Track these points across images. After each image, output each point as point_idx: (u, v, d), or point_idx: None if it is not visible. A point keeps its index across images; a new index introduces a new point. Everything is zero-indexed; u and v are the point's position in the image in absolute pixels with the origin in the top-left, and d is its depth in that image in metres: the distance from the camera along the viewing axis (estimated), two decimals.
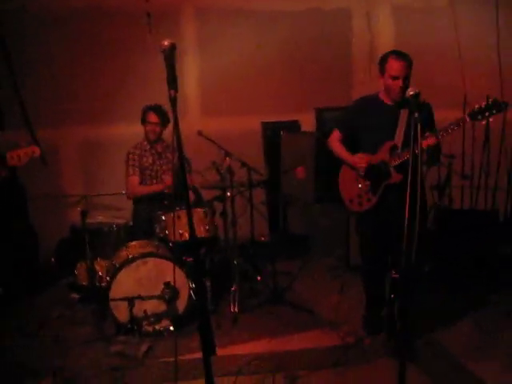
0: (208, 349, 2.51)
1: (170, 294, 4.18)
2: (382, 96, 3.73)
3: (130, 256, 4.26)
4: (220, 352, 3.76)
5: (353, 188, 3.87)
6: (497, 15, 5.80)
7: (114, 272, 4.22)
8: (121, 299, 4.07)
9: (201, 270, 4.56)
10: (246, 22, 6.22)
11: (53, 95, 5.94)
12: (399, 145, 3.63)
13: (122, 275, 4.17)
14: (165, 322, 4.26)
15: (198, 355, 3.67)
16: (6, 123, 5.78)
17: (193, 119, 6.19)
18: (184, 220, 4.34)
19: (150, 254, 4.26)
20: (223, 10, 6.16)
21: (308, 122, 6.37)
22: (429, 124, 3.55)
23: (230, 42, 6.16)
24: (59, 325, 4.48)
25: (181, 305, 4.24)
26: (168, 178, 4.89)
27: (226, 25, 6.15)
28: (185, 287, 4.24)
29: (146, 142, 5.08)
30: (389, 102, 3.70)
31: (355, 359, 3.74)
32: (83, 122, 6.10)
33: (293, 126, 6.42)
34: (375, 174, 3.71)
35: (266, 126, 6.39)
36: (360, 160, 3.76)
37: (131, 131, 5.21)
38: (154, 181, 5.03)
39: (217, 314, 4.49)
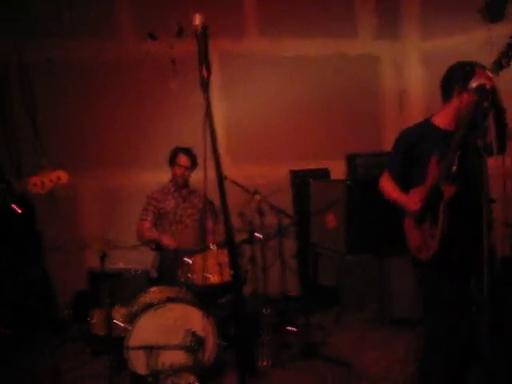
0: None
1: (194, 343, 3.78)
2: (439, 121, 3.15)
3: (151, 301, 3.90)
4: None
5: (417, 234, 3.13)
6: None
7: (132, 318, 3.85)
8: (139, 348, 3.68)
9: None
10: (271, 67, 6.07)
11: (71, 141, 5.76)
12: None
13: (142, 322, 3.79)
14: (188, 376, 3.83)
15: None
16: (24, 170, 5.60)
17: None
18: (211, 262, 4.00)
19: (172, 299, 3.90)
20: (248, 56, 6.04)
21: (338, 170, 6.07)
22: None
23: (256, 87, 6.01)
24: (70, 378, 4.09)
25: (206, 356, 3.83)
26: (170, 239, 4.57)
27: (252, 70, 6.02)
28: (211, 336, 3.85)
29: (170, 185, 4.84)
30: (449, 128, 3.09)
31: None
32: (102, 169, 5.88)
33: (322, 174, 6.14)
34: (429, 202, 3.00)
35: (294, 175, 6.11)
36: (412, 201, 3.11)
37: (152, 179, 4.98)
38: (179, 225, 4.76)
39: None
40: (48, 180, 3.22)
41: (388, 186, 3.35)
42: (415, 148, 3.14)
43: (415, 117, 5.99)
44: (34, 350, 4.61)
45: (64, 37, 5.68)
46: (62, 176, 3.27)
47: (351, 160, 6.00)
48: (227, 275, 4.03)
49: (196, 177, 4.85)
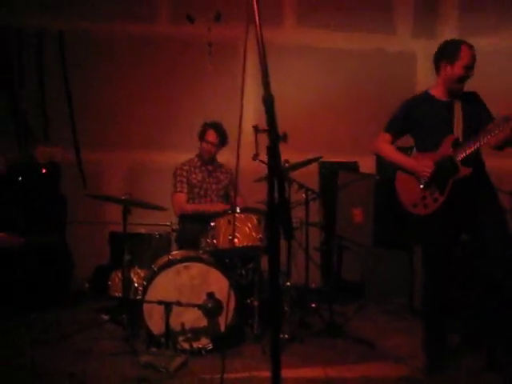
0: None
1: (212, 306, 3.65)
2: (434, 92, 3.54)
3: (171, 260, 3.79)
4: (265, 374, 3.25)
5: (415, 191, 3.49)
6: None
7: (151, 275, 3.74)
8: (156, 302, 3.55)
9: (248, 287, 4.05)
10: (308, 58, 6.03)
11: (102, 118, 5.78)
12: (461, 138, 3.37)
13: (161, 279, 3.69)
14: (204, 340, 3.70)
15: (241, 375, 3.20)
16: (53, 137, 5.61)
17: (247, 155, 5.88)
18: (237, 225, 3.89)
19: (193, 259, 3.79)
20: (285, 46, 6.01)
21: (367, 165, 5.96)
22: (484, 114, 3.43)
23: (290, 77, 5.96)
24: (84, 338, 3.97)
25: (223, 321, 3.69)
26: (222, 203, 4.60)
27: (288, 60, 5.98)
28: (231, 301, 3.72)
29: (197, 159, 4.79)
30: (442, 98, 3.48)
31: None
32: (130, 148, 5.87)
33: (351, 167, 6.02)
34: (440, 171, 3.36)
35: (323, 166, 6.00)
36: (424, 167, 3.41)
37: (180, 160, 4.94)
38: (203, 200, 4.69)
39: (263, 339, 3.88)
40: (50, 152, 3.73)
41: (388, 148, 3.69)
42: (415, 113, 3.53)
43: None
44: (49, 315, 4.52)
45: (102, 13, 5.77)
46: (59, 154, 3.79)
47: (382, 157, 5.88)
48: (255, 239, 3.91)
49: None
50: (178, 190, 4.66)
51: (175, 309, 3.57)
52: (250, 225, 3.92)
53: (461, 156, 3.30)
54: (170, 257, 3.83)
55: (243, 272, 4.16)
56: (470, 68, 3.37)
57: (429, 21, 6.27)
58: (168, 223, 4.50)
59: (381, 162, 5.98)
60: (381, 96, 6.12)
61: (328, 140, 6.06)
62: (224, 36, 5.89)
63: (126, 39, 5.86)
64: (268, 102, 1.84)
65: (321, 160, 6.02)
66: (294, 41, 6.06)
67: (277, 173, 1.78)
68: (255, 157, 4.38)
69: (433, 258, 3.51)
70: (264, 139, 2.11)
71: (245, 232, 3.90)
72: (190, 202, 4.66)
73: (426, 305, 3.61)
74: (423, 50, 6.27)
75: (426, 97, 3.56)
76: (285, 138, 1.86)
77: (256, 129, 1.97)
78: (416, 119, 3.53)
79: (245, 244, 3.90)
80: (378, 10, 6.18)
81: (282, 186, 1.78)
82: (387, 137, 3.68)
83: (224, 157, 4.94)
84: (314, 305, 4.38)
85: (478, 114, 3.44)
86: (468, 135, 3.34)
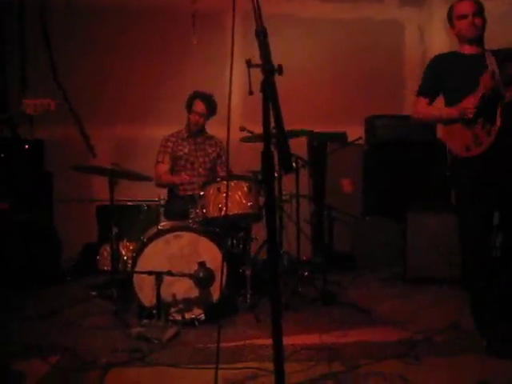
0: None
1: (204, 275, 3.57)
2: (460, 49, 3.37)
3: (160, 230, 3.70)
4: (260, 342, 3.17)
5: (465, 135, 3.22)
6: None
7: (140, 246, 3.65)
8: (146, 273, 3.47)
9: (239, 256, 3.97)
10: (294, 28, 5.93)
11: (88, 93, 5.63)
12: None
13: (150, 249, 3.60)
14: (196, 311, 3.63)
15: (235, 343, 3.12)
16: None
17: (234, 126, 5.78)
18: (224, 193, 3.79)
19: (183, 228, 3.70)
20: (272, 16, 5.83)
21: (356, 134, 5.86)
22: None
23: (277, 48, 5.83)
24: (73, 313, 3.88)
25: (215, 291, 3.61)
26: (185, 176, 4.50)
27: (275, 31, 5.85)
28: (222, 270, 3.62)
29: (184, 131, 4.70)
30: (469, 52, 3.30)
31: (426, 354, 3.04)
32: (118, 122, 5.76)
33: (340, 137, 5.94)
34: (485, 104, 3.12)
35: (311, 136, 5.90)
36: (465, 104, 3.17)
37: (167, 131, 4.81)
38: (189, 172, 4.60)
39: (256, 309, 3.82)
40: (40, 104, 3.46)
41: (427, 109, 3.41)
42: (443, 70, 3.35)
43: None
44: (37, 293, 4.43)
45: None
46: (52, 104, 3.48)
47: (370, 122, 5.84)
48: (245, 207, 3.83)
49: None
50: (159, 160, 4.62)
51: (166, 279, 3.48)
52: (240, 192, 3.82)
53: (502, 81, 3.07)
54: (159, 227, 3.74)
55: (234, 241, 4.08)
56: (464, 17, 3.23)
57: None
58: (156, 198, 4.41)
59: (370, 128, 5.93)
60: (369, 65, 6.06)
61: (316, 110, 5.97)
62: (209, 6, 5.76)
63: (111, 8, 5.72)
64: (261, 35, 1.75)
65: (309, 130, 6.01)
66: (279, 10, 5.95)
67: (273, 104, 1.70)
68: (242, 128, 4.40)
69: (474, 212, 3.18)
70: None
71: (235, 200, 3.81)
72: (176, 174, 4.58)
73: (467, 274, 3.29)
74: (411, 19, 6.23)
75: (453, 54, 3.39)
76: (280, 70, 1.77)
77: (249, 63, 1.86)
78: (445, 77, 3.33)
79: (235, 212, 3.82)
80: None
81: (278, 116, 1.70)
82: (422, 101, 3.43)
83: (213, 128, 4.86)
84: (306, 273, 4.31)
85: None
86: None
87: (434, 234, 4.66)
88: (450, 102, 3.33)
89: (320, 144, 5.84)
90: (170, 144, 4.62)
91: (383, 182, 5.58)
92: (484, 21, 3.28)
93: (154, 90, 5.74)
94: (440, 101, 3.42)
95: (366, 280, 4.90)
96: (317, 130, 5.94)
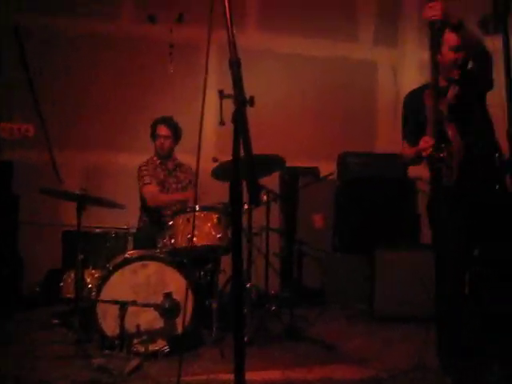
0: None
1: (170, 306, 3.51)
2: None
3: (126, 258, 3.64)
4: (223, 377, 3.11)
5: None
6: None
7: (106, 274, 3.58)
8: (111, 302, 3.39)
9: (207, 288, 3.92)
10: (271, 63, 6.01)
11: (59, 116, 5.57)
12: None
13: (116, 278, 3.54)
14: (160, 343, 3.55)
15: (198, 378, 3.07)
16: None
17: (206, 157, 5.79)
18: (196, 223, 3.76)
19: (151, 258, 3.65)
20: (249, 50, 5.95)
21: (329, 170, 5.93)
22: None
23: (254, 81, 5.89)
24: (33, 341, 3.77)
25: (180, 323, 3.54)
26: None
27: (251, 64, 5.94)
28: (188, 301, 3.56)
29: (156, 158, 4.71)
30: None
31: None
32: (88, 148, 5.71)
33: (312, 172, 5.98)
34: (438, 135, 3.04)
35: (283, 171, 5.94)
36: (423, 142, 3.07)
37: (139, 161, 4.81)
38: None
39: (221, 343, 3.75)
40: (17, 129, 3.39)
41: (404, 150, 3.37)
42: (408, 108, 3.36)
43: None
44: None
45: (63, 9, 5.61)
46: (30, 130, 3.43)
47: (343, 159, 5.89)
48: (214, 239, 3.79)
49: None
50: (147, 181, 4.57)
51: (130, 309, 3.41)
52: (209, 224, 3.80)
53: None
54: (126, 255, 3.68)
55: (202, 272, 4.03)
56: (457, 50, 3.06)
57: (390, 30, 6.36)
58: (125, 226, 4.35)
59: (342, 165, 5.98)
60: (342, 102, 6.16)
61: (289, 144, 6.00)
62: (186, 37, 5.81)
63: (87, 36, 5.72)
64: (234, 65, 1.75)
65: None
66: (256, 45, 6.03)
67: (244, 135, 1.69)
68: (215, 159, 4.40)
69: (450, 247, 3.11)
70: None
71: (204, 231, 3.78)
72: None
73: (439, 304, 3.24)
74: (384, 58, 6.35)
75: (424, 88, 3.24)
76: (251, 101, 1.77)
77: (221, 94, 1.86)
78: (416, 114, 3.26)
79: (204, 243, 3.78)
80: (340, 17, 6.24)
81: (248, 148, 1.70)
82: (405, 144, 3.38)
83: (185, 157, 4.86)
84: (274, 308, 4.26)
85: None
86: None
87: (401, 272, 4.68)
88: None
89: (292, 178, 5.86)
90: (149, 168, 4.64)
91: (354, 218, 5.61)
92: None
93: (129, 117, 5.71)
94: None
95: (333, 316, 4.88)
96: (289, 164, 6.01)
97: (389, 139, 6.28)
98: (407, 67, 6.32)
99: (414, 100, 3.34)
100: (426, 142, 3.07)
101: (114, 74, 5.74)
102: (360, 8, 6.34)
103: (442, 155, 3.03)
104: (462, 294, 3.12)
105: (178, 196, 4.57)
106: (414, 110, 3.31)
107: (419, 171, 5.77)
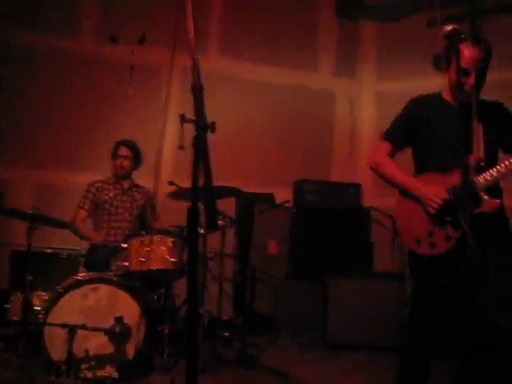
0: None
1: (120, 331, 3.43)
2: (447, 95, 2.82)
3: (76, 281, 3.54)
4: None
5: (419, 223, 2.68)
6: None
7: (55, 297, 3.47)
8: (59, 325, 3.29)
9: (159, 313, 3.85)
10: (233, 89, 6.02)
11: (18, 135, 5.46)
12: (483, 158, 2.58)
13: (66, 301, 3.44)
14: (109, 369, 3.46)
15: None
16: None
17: (164, 179, 5.75)
18: (150, 247, 3.70)
19: (103, 280, 3.57)
20: (211, 74, 5.97)
21: (284, 197, 5.96)
22: (509, 131, 2.74)
23: (213, 107, 5.91)
24: None
25: (131, 349, 3.48)
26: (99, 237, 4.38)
27: (212, 89, 5.96)
28: (139, 326, 3.51)
29: (112, 177, 4.69)
30: (455, 102, 2.74)
31: None
32: (46, 167, 5.58)
33: (268, 199, 6.01)
34: (456, 202, 2.58)
35: (239, 196, 5.94)
36: (434, 195, 2.62)
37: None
38: (113, 217, 4.52)
39: (173, 369, 3.68)
40: None
41: (387, 163, 2.84)
42: (422, 115, 2.82)
43: (364, 152, 6.06)
44: None
45: (23, 25, 5.53)
46: None
47: (299, 186, 5.95)
48: (168, 263, 3.74)
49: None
50: (80, 205, 4.54)
51: (79, 333, 3.31)
52: (164, 248, 3.75)
53: (485, 182, 2.57)
54: (77, 278, 3.58)
55: (155, 296, 3.97)
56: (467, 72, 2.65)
57: (349, 61, 6.51)
58: (77, 247, 4.27)
59: (298, 192, 6.04)
60: (300, 130, 6.24)
61: (246, 170, 6.05)
62: (147, 59, 5.80)
63: (47, 53, 5.61)
64: (197, 90, 1.76)
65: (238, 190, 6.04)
66: (217, 69, 6.04)
67: (204, 161, 1.69)
68: (171, 182, 4.38)
69: (425, 307, 2.72)
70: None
71: (159, 255, 3.73)
72: (101, 219, 4.52)
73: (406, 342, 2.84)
74: (343, 89, 6.48)
75: (437, 99, 2.82)
76: (213, 127, 1.77)
77: (182, 118, 1.86)
78: (423, 127, 2.79)
79: (158, 267, 3.73)
80: (301, 47, 6.35)
81: (207, 173, 1.69)
82: (386, 146, 2.87)
83: (141, 180, 4.83)
84: (226, 334, 4.22)
85: (502, 130, 2.73)
86: (490, 156, 2.63)
87: (354, 300, 4.72)
88: (420, 162, 2.83)
89: (248, 203, 5.87)
90: (93, 189, 4.57)
91: (309, 245, 5.65)
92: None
93: (87, 137, 5.61)
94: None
95: (285, 343, 4.87)
96: (246, 189, 6.02)
97: (344, 168, 6.40)
98: (364, 99, 6.47)
99: (422, 106, 2.85)
100: (436, 194, 2.62)
101: (74, 93, 5.64)
102: (320, 39, 6.46)
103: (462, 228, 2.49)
104: (433, 331, 2.76)
105: (89, 234, 4.43)
106: (415, 115, 2.85)
107: (373, 200, 5.92)
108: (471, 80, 2.61)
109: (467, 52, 2.62)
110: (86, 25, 5.75)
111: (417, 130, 2.81)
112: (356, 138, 6.40)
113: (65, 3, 5.64)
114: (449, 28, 2.45)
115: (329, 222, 5.68)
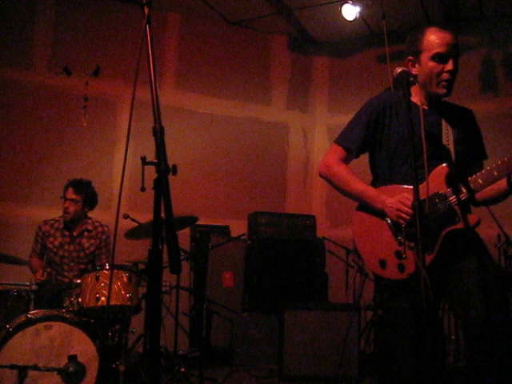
0: None
1: (74, 370, 3.34)
2: (413, 97, 2.45)
3: (28, 319, 3.43)
4: None
5: (384, 242, 2.30)
6: None
7: (4, 336, 3.35)
8: (8, 366, 3.18)
9: (116, 350, 3.77)
10: (185, 121, 6.07)
11: None
12: (455, 166, 2.35)
13: (16, 340, 3.30)
14: None
15: None
16: None
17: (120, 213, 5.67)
18: (102, 283, 3.64)
19: (56, 317, 3.47)
20: (166, 107, 6.02)
21: (239, 229, 6.00)
22: (478, 142, 2.49)
23: (169, 138, 5.92)
24: None
25: None
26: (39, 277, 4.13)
27: (167, 122, 5.96)
28: (94, 364, 3.43)
29: (62, 220, 4.42)
30: (424, 106, 2.43)
31: None
32: None
33: (223, 231, 6.02)
34: (432, 218, 2.25)
35: (194, 229, 5.92)
36: (401, 203, 2.24)
37: (45, 216, 4.60)
38: (59, 267, 4.34)
39: None
40: None
41: (343, 170, 2.48)
42: (384, 117, 2.47)
43: (318, 184, 6.17)
44: None
45: None
46: None
47: (253, 218, 5.98)
48: (124, 298, 3.66)
49: None
50: (32, 252, 4.41)
51: (31, 374, 3.21)
52: (119, 283, 3.68)
53: (463, 196, 2.26)
54: (28, 315, 3.47)
55: (110, 333, 3.88)
56: (443, 58, 2.35)
57: (302, 95, 6.65)
58: (27, 283, 4.14)
59: (253, 224, 6.07)
60: (254, 163, 6.32)
61: (201, 203, 6.05)
62: (101, 91, 5.78)
63: (0, 85, 5.53)
64: (158, 133, 1.77)
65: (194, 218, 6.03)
66: (172, 102, 6.09)
67: (166, 202, 1.70)
68: (126, 216, 4.32)
69: (403, 338, 2.35)
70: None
71: (114, 290, 3.66)
72: (47, 266, 4.36)
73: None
74: (296, 121, 6.61)
75: (401, 100, 2.40)
76: (174, 170, 1.78)
77: (143, 160, 1.86)
78: (386, 130, 2.45)
79: (113, 303, 3.66)
80: (255, 81, 6.46)
81: (169, 215, 1.69)
82: (339, 152, 2.51)
83: (94, 213, 4.73)
84: (182, 369, 4.16)
85: (471, 138, 2.46)
86: (461, 164, 2.38)
87: (310, 332, 4.73)
88: (384, 172, 2.46)
89: (203, 236, 5.86)
90: (40, 233, 4.39)
91: (264, 277, 5.68)
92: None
93: (39, 170, 5.52)
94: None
95: (242, 376, 4.83)
96: (200, 222, 6.01)
97: (298, 199, 6.48)
98: (317, 131, 6.61)
99: (385, 107, 2.49)
100: (404, 203, 2.23)
101: (26, 124, 5.56)
102: (274, 73, 6.60)
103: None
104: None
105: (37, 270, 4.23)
106: (378, 121, 2.48)
107: (327, 231, 6.01)
108: (449, 66, 2.33)
109: (440, 34, 2.34)
110: (38, 56, 5.69)
111: (377, 136, 2.47)
112: (309, 169, 6.51)
113: (18, 34, 5.58)
114: (399, 70, 2.24)
115: (284, 253, 5.73)
